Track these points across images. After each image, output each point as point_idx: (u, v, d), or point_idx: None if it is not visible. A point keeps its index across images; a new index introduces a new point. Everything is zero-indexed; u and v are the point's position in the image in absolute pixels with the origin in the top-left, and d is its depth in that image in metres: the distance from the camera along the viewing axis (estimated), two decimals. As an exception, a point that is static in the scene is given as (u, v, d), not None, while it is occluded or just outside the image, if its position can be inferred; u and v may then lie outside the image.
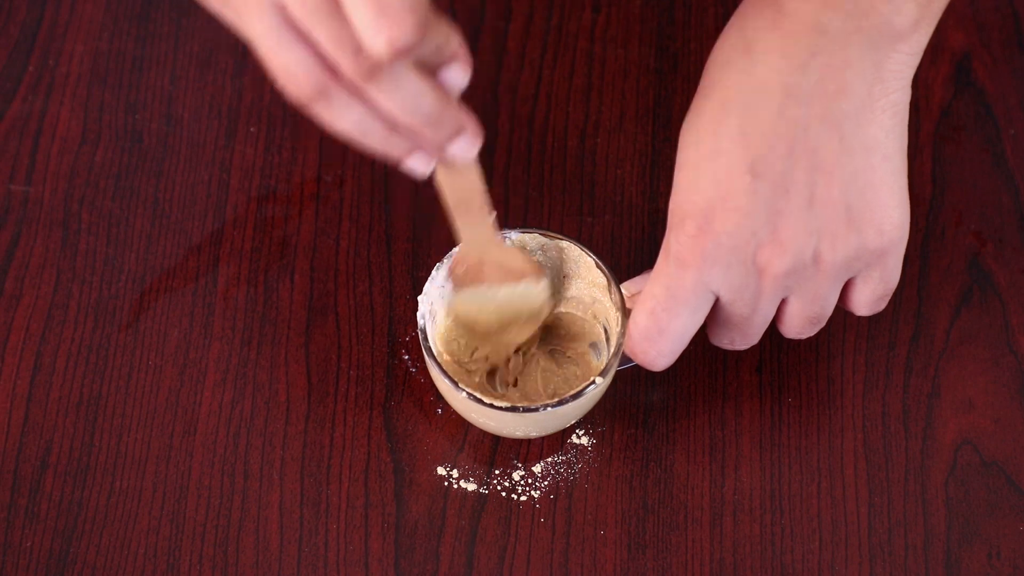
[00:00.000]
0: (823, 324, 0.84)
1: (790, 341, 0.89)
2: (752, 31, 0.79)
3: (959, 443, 0.87)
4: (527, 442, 0.87)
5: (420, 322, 0.84)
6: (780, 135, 0.78)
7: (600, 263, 0.85)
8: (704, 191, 0.79)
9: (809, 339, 0.89)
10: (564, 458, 0.87)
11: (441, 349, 0.86)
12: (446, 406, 0.87)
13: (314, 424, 0.88)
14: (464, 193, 0.81)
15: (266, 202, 0.95)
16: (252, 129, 0.97)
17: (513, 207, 0.94)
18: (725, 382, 0.89)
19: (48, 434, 0.87)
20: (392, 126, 0.74)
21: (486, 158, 0.96)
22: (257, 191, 0.95)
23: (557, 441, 0.87)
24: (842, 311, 0.87)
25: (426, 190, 0.95)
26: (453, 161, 0.77)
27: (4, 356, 0.90)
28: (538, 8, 1.01)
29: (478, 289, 0.85)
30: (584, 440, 0.87)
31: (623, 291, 0.84)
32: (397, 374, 0.89)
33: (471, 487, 0.86)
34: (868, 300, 0.83)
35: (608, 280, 0.85)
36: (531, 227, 0.87)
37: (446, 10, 1.01)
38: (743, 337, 0.84)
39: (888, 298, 0.84)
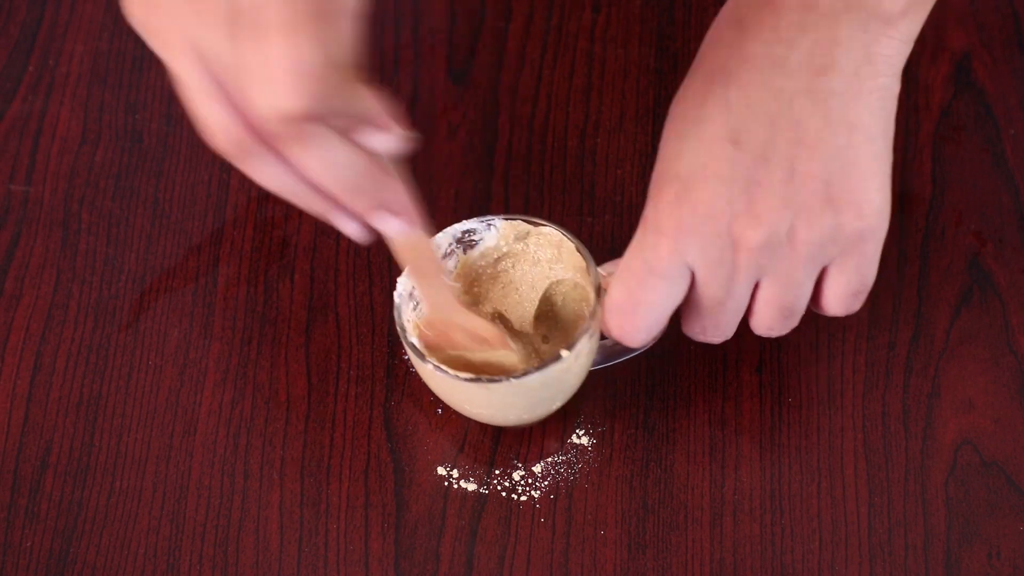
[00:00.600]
0: (794, 320, 0.83)
1: (790, 340, 0.89)
2: (744, 8, 0.79)
3: (959, 443, 0.87)
4: (527, 442, 0.87)
5: (396, 301, 0.83)
6: (764, 105, 0.77)
7: (581, 247, 0.85)
8: (685, 159, 0.78)
9: (809, 339, 0.89)
10: (564, 458, 0.87)
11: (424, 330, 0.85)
12: (446, 406, 0.87)
13: (314, 424, 0.88)
14: (414, 257, 0.80)
15: (266, 202, 0.95)
16: (252, 129, 0.97)
17: (513, 207, 0.94)
18: (725, 382, 0.89)
19: (48, 434, 0.87)
20: (315, 189, 0.72)
21: (486, 158, 0.96)
22: (257, 191, 0.95)
23: (557, 441, 0.87)
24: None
25: (426, 190, 0.95)
26: (384, 233, 0.76)
27: (4, 356, 0.90)
28: (538, 8, 1.01)
29: (450, 355, 0.84)
30: (584, 440, 0.87)
31: (600, 271, 0.84)
32: (397, 374, 0.89)
33: (471, 487, 0.86)
34: (842, 294, 0.81)
35: (588, 262, 0.84)
36: (514, 214, 0.87)
37: (446, 11, 1.01)
38: (715, 325, 0.82)
39: (863, 296, 0.82)
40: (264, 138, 0.70)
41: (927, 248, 0.92)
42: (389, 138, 0.73)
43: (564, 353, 0.81)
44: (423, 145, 0.94)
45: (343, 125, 0.71)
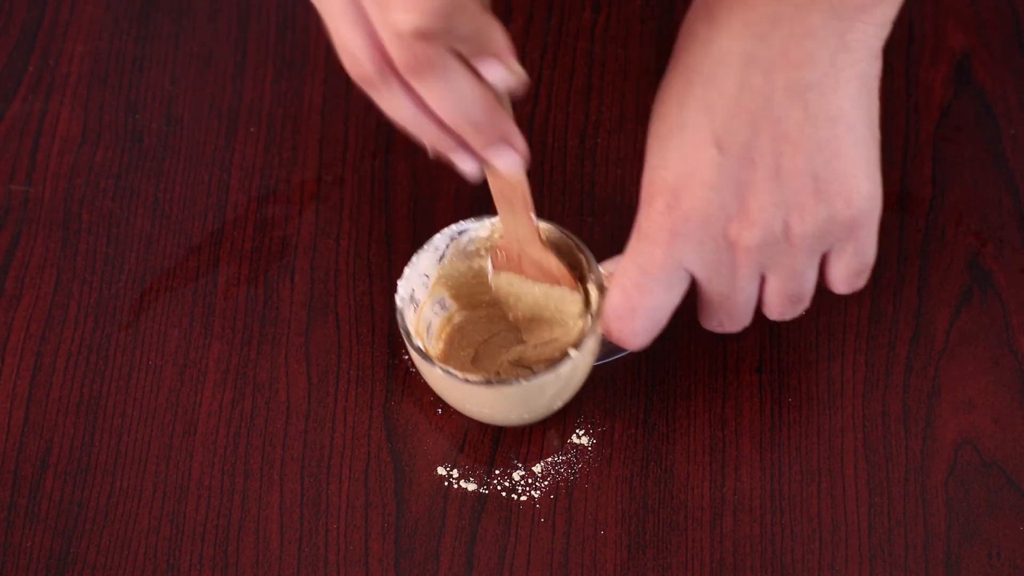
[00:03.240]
0: (805, 303, 0.83)
1: (790, 340, 0.89)
2: (714, 2, 0.78)
3: (959, 443, 0.87)
4: (527, 442, 0.87)
5: (399, 304, 0.84)
6: (743, 106, 0.77)
7: (580, 244, 0.85)
8: (672, 166, 0.79)
9: (809, 339, 0.89)
10: (564, 458, 0.87)
11: (421, 330, 0.86)
12: (446, 406, 0.87)
13: (314, 424, 0.88)
14: (507, 191, 0.82)
15: (266, 202, 0.95)
16: (252, 129, 0.97)
17: (513, 207, 0.94)
18: (725, 382, 0.89)
19: (48, 434, 0.87)
20: (443, 125, 0.75)
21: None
22: (257, 191, 0.95)
23: (557, 441, 0.87)
24: (828, 295, 0.87)
25: (426, 191, 0.95)
26: (497, 170, 0.78)
27: (4, 356, 0.90)
28: (538, 8, 1.01)
29: (515, 277, 0.86)
30: (584, 440, 0.87)
31: (602, 270, 0.84)
32: (397, 374, 0.89)
33: (471, 487, 0.86)
34: (844, 275, 0.82)
35: (587, 259, 0.85)
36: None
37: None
38: (730, 318, 0.83)
39: (866, 274, 0.83)
40: (395, 69, 0.74)
41: (927, 248, 0.92)
42: (508, 73, 0.74)
43: (573, 352, 0.82)
44: (423, 145, 0.94)
45: (467, 52, 0.73)
